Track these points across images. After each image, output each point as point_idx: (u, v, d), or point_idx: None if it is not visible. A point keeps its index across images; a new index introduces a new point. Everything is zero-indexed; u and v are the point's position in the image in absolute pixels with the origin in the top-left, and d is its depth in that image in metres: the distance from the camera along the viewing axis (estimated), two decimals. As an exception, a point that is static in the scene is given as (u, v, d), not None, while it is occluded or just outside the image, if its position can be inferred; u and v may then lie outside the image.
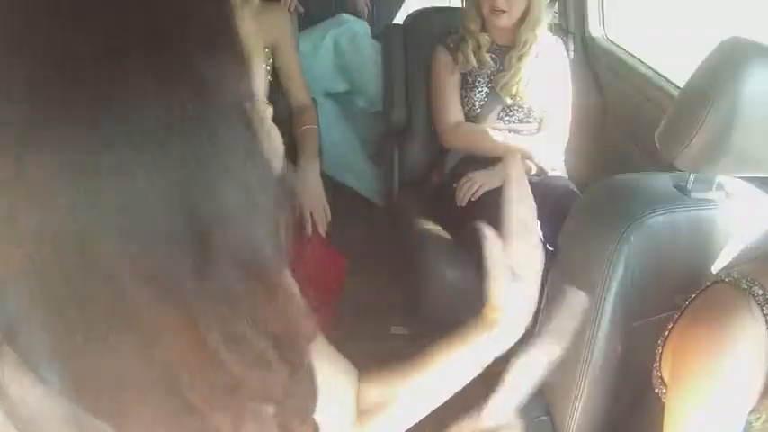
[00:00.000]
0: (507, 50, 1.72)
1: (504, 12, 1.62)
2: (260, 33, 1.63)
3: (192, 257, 0.35)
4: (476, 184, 1.65)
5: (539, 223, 1.71)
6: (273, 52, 1.67)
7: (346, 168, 2.50)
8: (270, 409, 0.45)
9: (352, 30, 2.47)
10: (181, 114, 0.33)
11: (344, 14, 2.55)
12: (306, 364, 0.48)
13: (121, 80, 0.33)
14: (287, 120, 1.82)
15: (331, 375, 0.62)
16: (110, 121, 0.32)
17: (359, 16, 2.65)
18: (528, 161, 1.71)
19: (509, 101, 1.72)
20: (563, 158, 1.81)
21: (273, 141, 0.43)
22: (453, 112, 1.76)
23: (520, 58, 1.69)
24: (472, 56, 1.72)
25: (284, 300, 0.41)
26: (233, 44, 0.37)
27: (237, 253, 0.36)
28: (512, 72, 1.69)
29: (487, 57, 1.72)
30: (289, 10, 2.08)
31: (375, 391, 0.67)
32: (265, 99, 0.39)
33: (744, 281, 0.74)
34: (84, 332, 0.35)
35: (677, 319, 0.83)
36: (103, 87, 0.32)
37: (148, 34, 0.34)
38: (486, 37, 1.72)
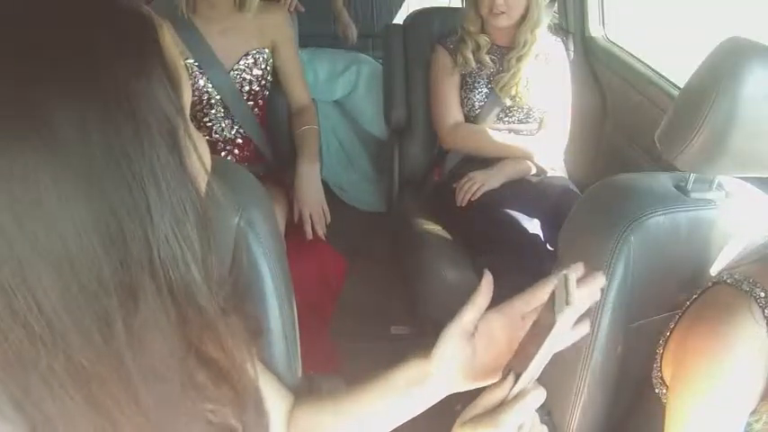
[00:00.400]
0: (507, 51, 1.72)
1: (503, 13, 1.62)
2: (261, 34, 1.63)
3: (118, 289, 0.35)
4: (476, 184, 1.65)
5: (539, 223, 1.72)
6: (273, 52, 1.67)
7: (343, 183, 2.54)
8: None
9: (374, 70, 2.45)
10: (111, 137, 0.33)
11: (363, 55, 2.54)
12: (251, 388, 0.48)
13: (50, 104, 0.32)
14: (287, 119, 1.83)
15: (266, 397, 0.63)
16: (36, 147, 0.32)
17: (346, 40, 2.66)
18: (528, 161, 1.71)
19: (508, 102, 1.72)
20: (563, 158, 1.81)
21: (202, 155, 0.43)
22: (453, 112, 1.76)
23: (519, 59, 1.68)
24: (471, 57, 1.72)
25: (220, 326, 0.41)
26: (162, 66, 0.38)
27: (165, 280, 0.36)
28: (511, 73, 1.69)
29: (487, 58, 1.72)
30: (289, 10, 2.08)
31: (305, 417, 0.68)
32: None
33: (746, 282, 0.74)
34: (26, 377, 0.35)
35: (679, 319, 0.83)
36: (30, 112, 0.32)
37: (78, 62, 0.34)
38: (486, 38, 1.72)
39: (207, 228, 0.39)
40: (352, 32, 2.63)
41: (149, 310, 0.36)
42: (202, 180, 0.41)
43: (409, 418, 0.65)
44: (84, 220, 0.33)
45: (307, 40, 2.42)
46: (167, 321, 0.37)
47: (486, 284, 0.59)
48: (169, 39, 0.40)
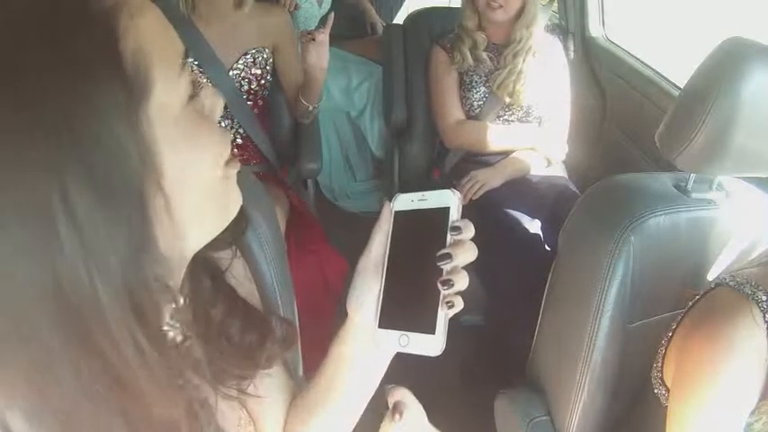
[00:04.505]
0: (503, 49, 1.72)
1: (500, 7, 1.62)
2: (261, 34, 1.63)
3: (36, 317, 0.34)
4: (477, 184, 1.65)
5: (539, 223, 1.70)
6: (274, 52, 1.67)
7: (346, 193, 2.55)
8: None
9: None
10: (51, 144, 0.32)
11: (376, 66, 2.51)
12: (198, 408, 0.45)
13: None
14: (287, 120, 1.83)
15: (266, 389, 0.62)
16: None
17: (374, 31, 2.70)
18: (529, 160, 1.71)
19: (507, 99, 1.72)
20: (566, 150, 1.80)
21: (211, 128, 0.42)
22: (453, 110, 1.76)
23: (515, 55, 1.69)
24: (468, 54, 1.72)
25: (139, 366, 0.38)
26: (103, 68, 0.34)
27: (77, 311, 0.35)
28: (508, 69, 1.69)
29: (484, 55, 1.72)
30: (288, 10, 2.09)
31: (289, 416, 0.67)
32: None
33: (748, 285, 0.74)
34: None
35: (681, 319, 0.83)
36: None
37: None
38: (483, 35, 1.72)
39: (141, 254, 0.36)
40: (379, 26, 2.69)
41: (61, 335, 0.35)
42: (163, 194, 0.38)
43: (371, 389, 0.62)
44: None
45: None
46: (84, 352, 0.35)
47: (385, 212, 0.56)
48: (144, 30, 0.37)
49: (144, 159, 0.36)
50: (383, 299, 0.54)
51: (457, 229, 0.51)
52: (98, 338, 0.36)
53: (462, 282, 0.50)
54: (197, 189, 0.41)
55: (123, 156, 0.35)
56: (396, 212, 0.55)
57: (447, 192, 0.52)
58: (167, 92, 0.38)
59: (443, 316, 0.50)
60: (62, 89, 0.32)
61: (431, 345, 0.50)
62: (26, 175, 0.32)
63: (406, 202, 0.55)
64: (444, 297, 0.50)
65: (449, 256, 0.49)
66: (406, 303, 0.52)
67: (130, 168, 0.35)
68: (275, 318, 0.60)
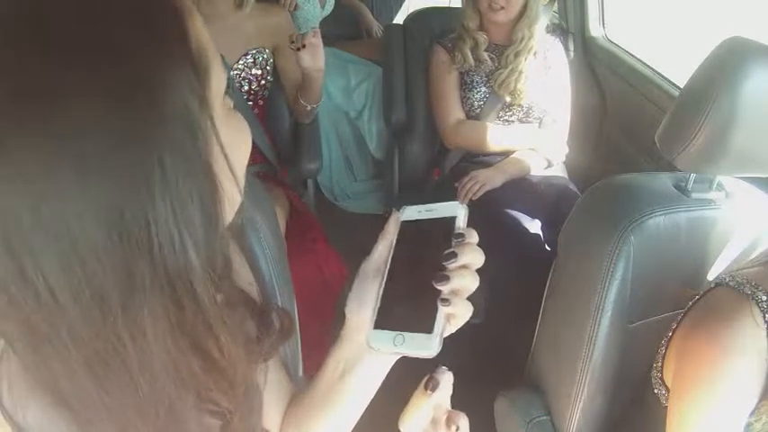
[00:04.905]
0: (504, 49, 1.72)
1: (501, 8, 1.62)
2: (262, 34, 1.63)
3: (115, 266, 0.35)
4: (478, 184, 1.65)
5: (539, 223, 1.70)
6: (274, 53, 1.67)
7: (346, 193, 2.56)
8: (215, 423, 0.46)
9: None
10: (119, 124, 0.34)
11: (375, 66, 2.50)
12: (245, 382, 0.48)
13: (54, 85, 0.33)
14: (287, 120, 1.83)
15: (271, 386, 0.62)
16: (36, 133, 0.32)
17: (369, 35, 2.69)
18: (529, 160, 1.71)
19: (508, 99, 1.72)
20: (566, 151, 1.80)
21: (238, 135, 0.44)
22: (454, 110, 1.76)
23: (516, 55, 1.69)
24: (470, 54, 1.72)
25: (214, 317, 0.41)
26: (186, 56, 0.38)
27: (161, 261, 0.36)
28: (509, 69, 1.69)
29: (485, 55, 1.72)
30: (288, 10, 2.09)
31: (288, 415, 0.67)
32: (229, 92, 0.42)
33: (748, 285, 0.74)
34: (29, 349, 0.37)
35: (681, 319, 0.83)
36: (32, 94, 0.32)
37: (86, 40, 0.34)
38: (484, 35, 1.72)
39: (214, 218, 0.39)
40: (377, 29, 2.68)
41: (145, 290, 0.36)
42: (222, 168, 0.41)
43: (369, 394, 0.63)
44: (85, 199, 0.34)
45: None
46: (163, 305, 0.38)
47: (392, 222, 0.57)
48: (199, 25, 0.40)
49: (213, 134, 0.39)
50: (381, 301, 0.54)
51: (460, 236, 0.51)
52: (186, 302, 0.38)
53: (471, 281, 0.51)
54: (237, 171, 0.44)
55: (198, 128, 0.37)
56: (402, 222, 0.56)
57: (455, 203, 0.53)
58: (218, 81, 0.41)
59: (441, 315, 0.49)
60: (150, 62, 0.35)
61: (426, 344, 0.49)
62: (128, 140, 0.34)
63: (414, 213, 0.56)
64: (442, 295, 0.49)
65: (454, 255, 0.50)
66: (404, 305, 0.52)
67: (203, 140, 0.38)
68: (272, 307, 0.60)
